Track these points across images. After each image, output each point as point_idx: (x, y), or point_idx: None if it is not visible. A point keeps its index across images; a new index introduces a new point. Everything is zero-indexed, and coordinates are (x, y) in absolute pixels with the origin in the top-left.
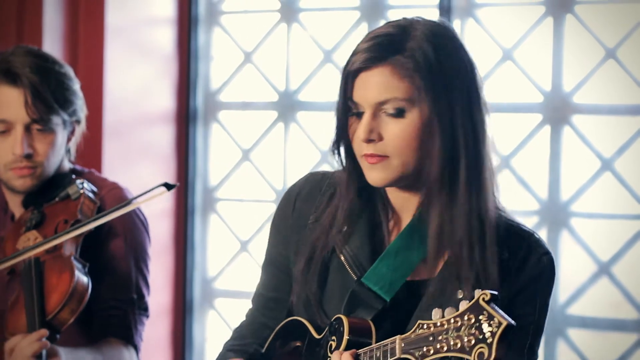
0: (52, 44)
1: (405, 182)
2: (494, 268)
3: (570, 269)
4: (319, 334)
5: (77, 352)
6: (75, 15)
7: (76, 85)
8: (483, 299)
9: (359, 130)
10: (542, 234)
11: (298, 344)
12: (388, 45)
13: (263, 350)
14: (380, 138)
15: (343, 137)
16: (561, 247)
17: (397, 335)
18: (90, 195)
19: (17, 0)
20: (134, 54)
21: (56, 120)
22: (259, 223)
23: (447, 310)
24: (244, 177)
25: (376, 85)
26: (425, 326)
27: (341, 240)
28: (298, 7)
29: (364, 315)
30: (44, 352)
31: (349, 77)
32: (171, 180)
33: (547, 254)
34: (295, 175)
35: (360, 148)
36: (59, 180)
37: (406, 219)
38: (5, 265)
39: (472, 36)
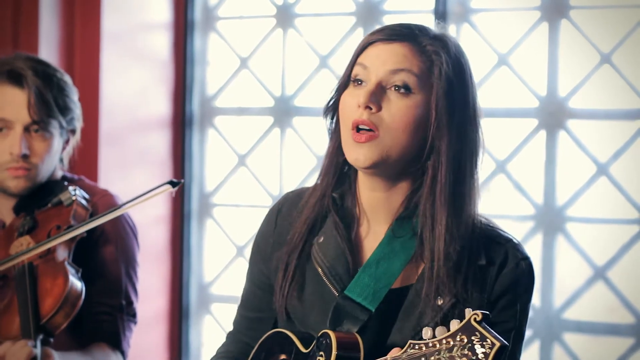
0: (48, 49)
1: (385, 169)
2: (472, 275)
3: (566, 273)
4: (305, 348)
5: (69, 355)
6: (71, 21)
7: (75, 95)
8: (475, 319)
9: (360, 95)
10: (538, 239)
11: (284, 357)
12: (416, 33)
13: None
14: (379, 108)
15: (335, 104)
16: (557, 252)
17: (379, 343)
18: (83, 201)
19: (12, 6)
20: (130, 59)
21: (54, 125)
22: (255, 228)
23: (438, 330)
24: (240, 182)
25: (394, 55)
26: (416, 346)
27: (317, 250)
28: (294, 12)
29: (350, 327)
30: (38, 355)
31: (364, 43)
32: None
33: (526, 259)
34: (291, 180)
35: (352, 115)
36: (51, 187)
37: (379, 223)
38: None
39: (467, 41)
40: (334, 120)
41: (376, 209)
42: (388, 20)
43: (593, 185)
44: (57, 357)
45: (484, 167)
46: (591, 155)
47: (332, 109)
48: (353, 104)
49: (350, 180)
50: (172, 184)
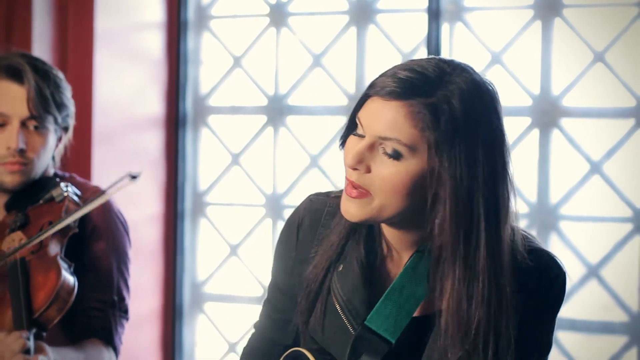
0: (42, 49)
1: (387, 222)
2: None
3: None
4: None
5: (62, 350)
6: (64, 21)
7: (69, 92)
8: None
9: (348, 154)
10: None
11: None
12: (417, 86)
13: None
14: (368, 170)
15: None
16: (550, 250)
17: None
18: (74, 197)
19: (5, 6)
20: (124, 59)
21: (50, 120)
22: (249, 227)
23: None
24: (234, 181)
25: (385, 120)
26: None
27: (336, 280)
28: (287, 11)
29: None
30: (32, 347)
31: (367, 96)
32: (161, 184)
33: (558, 277)
34: (284, 179)
35: (346, 169)
36: (43, 183)
37: (405, 251)
38: None
39: (460, 40)
40: None
41: (398, 240)
42: (381, 19)
43: (586, 183)
44: (50, 351)
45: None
46: (585, 153)
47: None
48: (346, 160)
49: None
50: (131, 176)
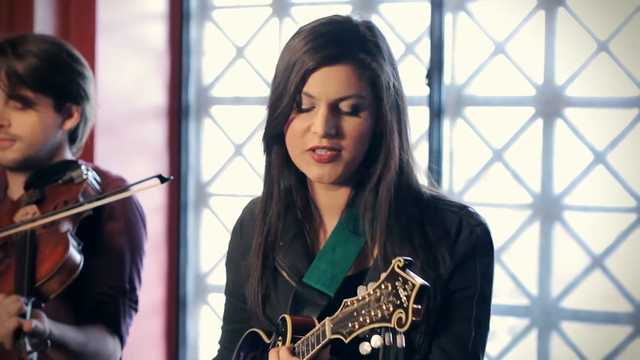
0: None
1: (341, 180)
2: (429, 247)
3: (564, 262)
4: (269, 338)
5: (61, 326)
6: (66, 11)
7: (79, 74)
8: (397, 265)
9: (317, 124)
10: (535, 228)
11: (255, 353)
12: (346, 44)
13: None
14: (338, 133)
15: (278, 131)
16: (554, 241)
17: None
18: (94, 182)
19: None
20: (126, 49)
21: (41, 100)
22: None
23: (369, 285)
24: (237, 172)
25: (339, 82)
26: (349, 303)
27: (279, 255)
28: (290, 1)
29: (309, 313)
30: (28, 311)
31: (307, 71)
32: (163, 174)
33: (481, 224)
34: None
35: (307, 141)
36: (65, 165)
37: (331, 217)
38: (2, 234)
39: (464, 30)
40: (274, 149)
41: (330, 205)
42: (384, 9)
43: (590, 173)
44: (47, 320)
45: (475, 153)
46: (588, 143)
47: (273, 140)
48: (304, 128)
49: (298, 184)
50: (161, 179)
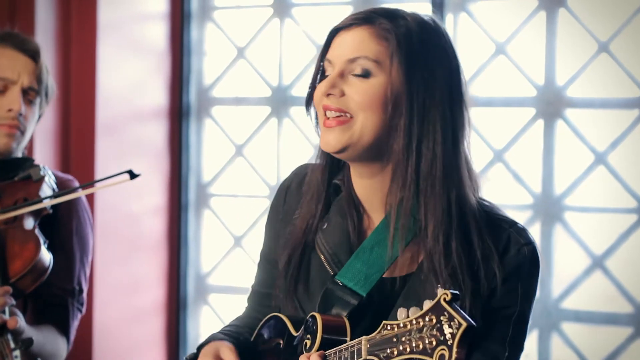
0: (45, 40)
1: (359, 153)
2: (473, 262)
3: (564, 263)
4: (297, 331)
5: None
6: (67, 12)
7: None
8: (444, 299)
9: (321, 84)
10: (536, 228)
11: (279, 341)
12: (377, 13)
13: (252, 339)
14: (342, 94)
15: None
16: (555, 241)
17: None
18: (51, 181)
19: None
20: (127, 50)
21: (38, 98)
22: (253, 218)
23: (412, 310)
24: (237, 172)
25: (351, 43)
26: (389, 327)
27: (320, 237)
28: (291, 2)
29: (340, 312)
30: (7, 309)
31: (330, 36)
32: (164, 176)
33: (529, 244)
34: (288, 170)
35: (320, 103)
36: (20, 162)
37: (376, 210)
38: None
39: (465, 30)
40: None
41: (369, 196)
42: None
43: (591, 174)
44: (22, 316)
45: (478, 152)
46: (589, 144)
47: (310, 104)
48: (319, 92)
49: (344, 172)
50: (131, 175)
